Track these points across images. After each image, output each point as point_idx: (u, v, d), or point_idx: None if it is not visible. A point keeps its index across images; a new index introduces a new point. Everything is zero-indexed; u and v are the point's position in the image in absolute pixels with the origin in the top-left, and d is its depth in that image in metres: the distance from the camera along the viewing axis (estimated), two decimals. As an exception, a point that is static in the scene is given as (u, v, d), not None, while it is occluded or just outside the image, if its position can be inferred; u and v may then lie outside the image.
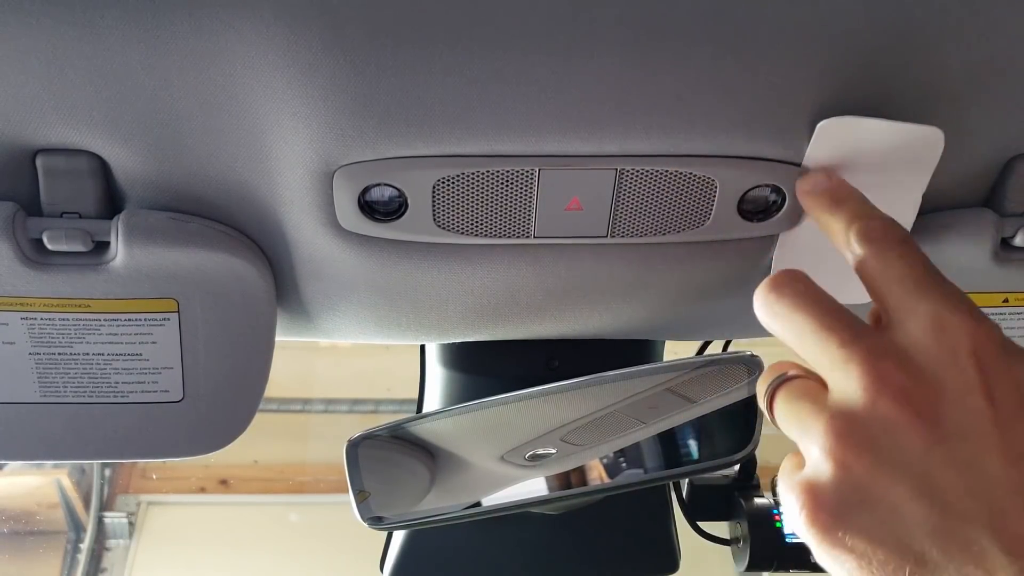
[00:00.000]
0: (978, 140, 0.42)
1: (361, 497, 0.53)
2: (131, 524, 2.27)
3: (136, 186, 0.41)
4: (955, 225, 0.45)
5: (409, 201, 0.40)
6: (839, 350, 0.30)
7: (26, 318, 0.43)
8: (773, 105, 0.38)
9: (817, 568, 0.30)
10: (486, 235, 0.42)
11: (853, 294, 0.46)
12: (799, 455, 0.32)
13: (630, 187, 0.40)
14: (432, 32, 0.35)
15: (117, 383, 0.45)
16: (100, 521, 2.25)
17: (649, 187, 0.41)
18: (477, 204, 0.41)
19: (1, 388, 0.44)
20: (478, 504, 0.54)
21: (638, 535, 0.66)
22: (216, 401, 0.46)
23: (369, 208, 0.41)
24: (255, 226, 0.44)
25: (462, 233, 0.42)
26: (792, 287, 0.32)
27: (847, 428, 0.28)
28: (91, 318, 0.43)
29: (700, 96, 0.37)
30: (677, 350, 0.62)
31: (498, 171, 0.39)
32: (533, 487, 0.55)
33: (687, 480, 0.79)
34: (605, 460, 0.56)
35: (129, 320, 0.43)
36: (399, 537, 0.65)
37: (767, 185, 0.41)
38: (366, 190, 0.40)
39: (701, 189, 0.41)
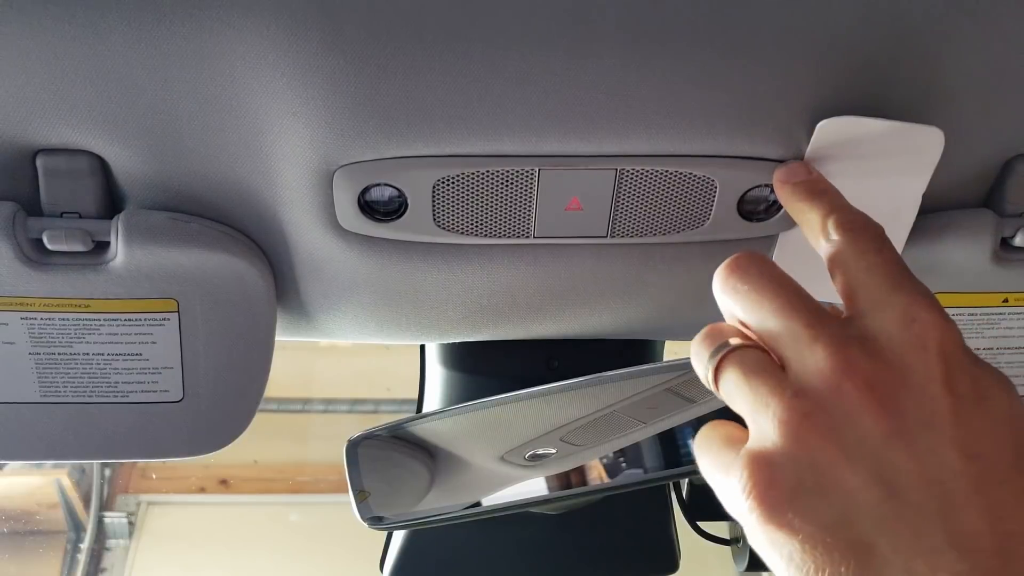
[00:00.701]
0: (978, 140, 0.42)
1: (361, 497, 0.53)
2: (131, 524, 2.26)
3: (136, 186, 0.41)
4: (955, 225, 0.45)
5: (409, 201, 0.40)
6: (805, 330, 0.29)
7: (26, 318, 0.43)
8: (773, 105, 0.38)
9: None
10: (486, 235, 0.42)
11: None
12: (728, 426, 0.32)
13: (630, 187, 0.40)
14: (432, 32, 0.35)
15: (117, 383, 0.45)
16: (100, 521, 2.25)
17: (649, 187, 0.41)
18: (477, 204, 0.41)
19: (1, 388, 0.44)
20: (478, 504, 0.54)
21: (638, 535, 0.66)
22: (216, 401, 0.46)
23: (369, 208, 0.41)
24: (255, 226, 0.44)
25: (462, 233, 0.42)
26: (755, 268, 0.32)
27: (810, 408, 0.28)
28: (91, 318, 0.43)
29: (700, 96, 0.37)
30: (677, 350, 0.62)
31: (498, 171, 0.39)
32: (533, 487, 0.55)
33: (687, 480, 0.79)
34: (605, 460, 0.56)
35: (129, 320, 0.43)
36: (399, 537, 0.65)
37: (767, 185, 0.41)
38: (366, 190, 0.40)
39: (701, 189, 0.41)
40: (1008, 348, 0.50)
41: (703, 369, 0.32)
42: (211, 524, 2.28)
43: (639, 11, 0.35)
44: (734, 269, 0.32)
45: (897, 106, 0.39)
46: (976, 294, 0.48)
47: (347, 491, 0.53)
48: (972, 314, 0.48)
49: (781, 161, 0.40)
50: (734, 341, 0.31)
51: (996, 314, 0.49)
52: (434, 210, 0.40)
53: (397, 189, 0.40)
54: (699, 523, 0.79)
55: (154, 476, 2.33)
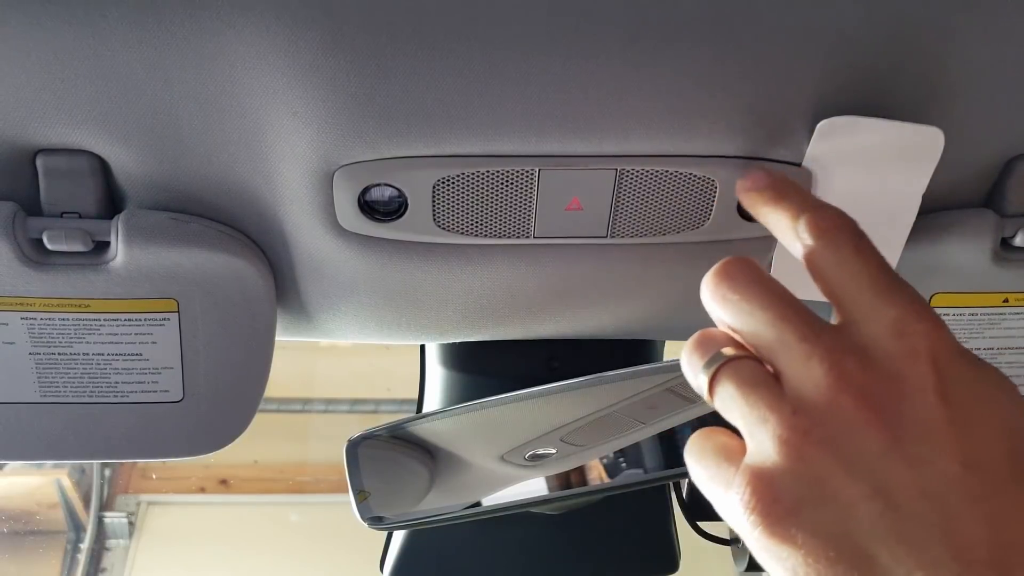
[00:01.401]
0: (978, 140, 0.42)
1: (361, 497, 0.53)
2: (131, 524, 2.27)
3: (136, 186, 0.41)
4: (955, 225, 0.45)
5: (409, 201, 0.40)
6: (799, 344, 0.29)
7: (26, 318, 0.43)
8: (773, 105, 0.38)
9: None
10: (486, 235, 0.42)
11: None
12: (721, 435, 0.31)
13: (630, 187, 0.40)
14: (432, 32, 0.35)
15: (117, 383, 0.45)
16: (100, 521, 2.25)
17: (649, 187, 0.41)
18: (477, 204, 0.41)
19: (1, 388, 0.44)
20: (478, 504, 0.54)
21: (638, 535, 0.66)
22: (216, 401, 0.46)
23: (369, 208, 0.41)
24: (255, 226, 0.44)
25: (462, 233, 0.42)
26: (745, 275, 0.31)
27: (809, 424, 0.28)
28: (91, 318, 0.43)
29: (700, 96, 0.37)
30: (677, 350, 0.62)
31: (498, 171, 0.39)
32: (533, 487, 0.55)
33: (687, 480, 0.79)
34: (605, 460, 0.56)
35: (129, 320, 0.43)
36: (399, 537, 0.65)
37: (767, 185, 0.41)
38: (366, 190, 0.40)
39: (701, 189, 0.41)
40: (1009, 348, 0.50)
41: (696, 379, 0.32)
42: (211, 524, 2.28)
43: (639, 11, 0.35)
44: (723, 277, 0.32)
45: (897, 106, 0.39)
46: (976, 294, 0.48)
47: (347, 491, 0.53)
48: (972, 314, 0.48)
49: (781, 161, 0.40)
50: (728, 351, 0.31)
51: (996, 314, 0.49)
52: (434, 210, 0.40)
53: (397, 189, 0.40)
54: (699, 523, 0.79)
55: (154, 476, 2.33)
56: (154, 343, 0.44)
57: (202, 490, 2.33)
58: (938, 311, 0.48)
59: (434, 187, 0.39)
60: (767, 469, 0.28)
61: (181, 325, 0.44)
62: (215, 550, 2.22)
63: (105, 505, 2.28)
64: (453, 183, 0.40)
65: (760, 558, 0.28)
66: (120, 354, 0.44)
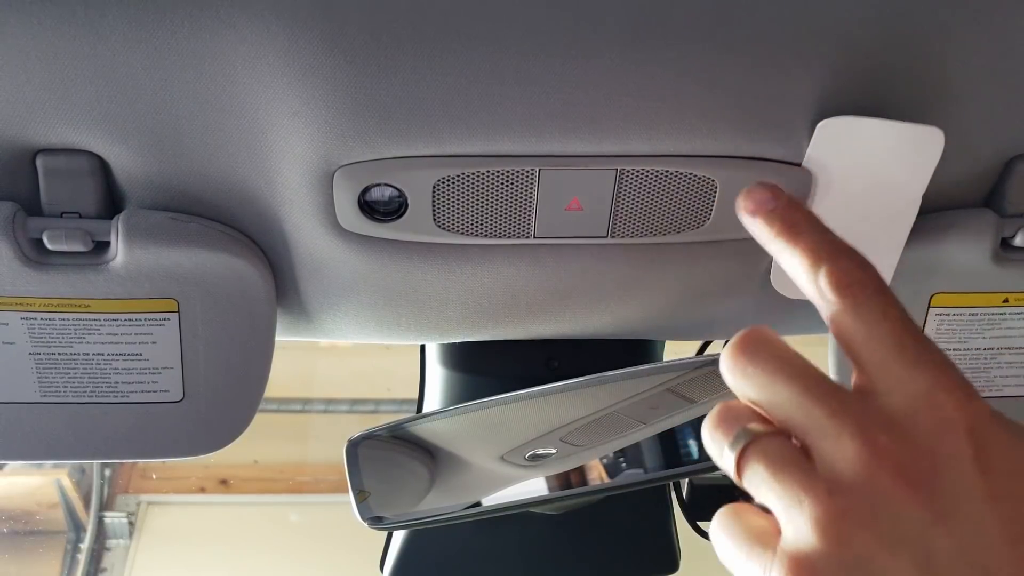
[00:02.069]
0: (978, 140, 0.42)
1: (361, 497, 0.53)
2: (131, 524, 2.27)
3: (136, 186, 0.41)
4: (955, 225, 0.45)
5: (409, 201, 0.40)
6: (828, 420, 0.28)
7: (26, 318, 0.43)
8: (773, 105, 0.38)
9: None
10: (486, 235, 0.42)
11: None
12: (751, 514, 0.31)
13: (630, 187, 0.40)
14: (432, 32, 0.35)
15: (117, 383, 0.45)
16: (100, 521, 2.25)
17: (649, 187, 0.41)
18: (477, 204, 0.41)
19: (1, 388, 0.44)
20: (478, 504, 0.54)
21: (638, 535, 0.66)
22: (216, 401, 0.46)
23: (369, 208, 0.41)
24: (255, 226, 0.44)
25: (462, 233, 0.42)
26: (766, 350, 0.30)
27: (846, 504, 0.27)
28: (91, 318, 0.43)
29: (701, 96, 0.37)
30: (677, 350, 0.62)
31: (498, 171, 0.39)
32: (533, 487, 0.54)
33: (687, 480, 0.79)
34: (605, 460, 0.56)
35: (129, 320, 0.43)
36: (399, 537, 0.65)
37: (767, 185, 0.41)
38: (366, 190, 0.40)
39: (701, 189, 0.41)
40: (1009, 348, 0.50)
41: (722, 458, 0.31)
42: (211, 524, 2.29)
43: (639, 11, 0.35)
44: (742, 350, 0.30)
45: (897, 106, 0.39)
46: (976, 294, 0.48)
47: (347, 491, 0.53)
48: (972, 314, 0.48)
49: (781, 161, 0.40)
50: (754, 427, 0.30)
51: (997, 314, 0.49)
52: (434, 210, 0.40)
53: (397, 189, 0.40)
54: (699, 523, 0.79)
55: (154, 476, 2.33)
56: (154, 343, 0.44)
57: (202, 490, 2.33)
58: (938, 311, 0.48)
59: (434, 187, 0.39)
60: (807, 554, 0.27)
61: (181, 325, 0.44)
62: (215, 550, 2.22)
63: (105, 505, 2.28)
64: (453, 183, 0.40)
65: None
66: (120, 354, 0.44)
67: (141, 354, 0.44)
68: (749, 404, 0.31)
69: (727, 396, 0.31)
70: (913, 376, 0.29)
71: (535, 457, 0.54)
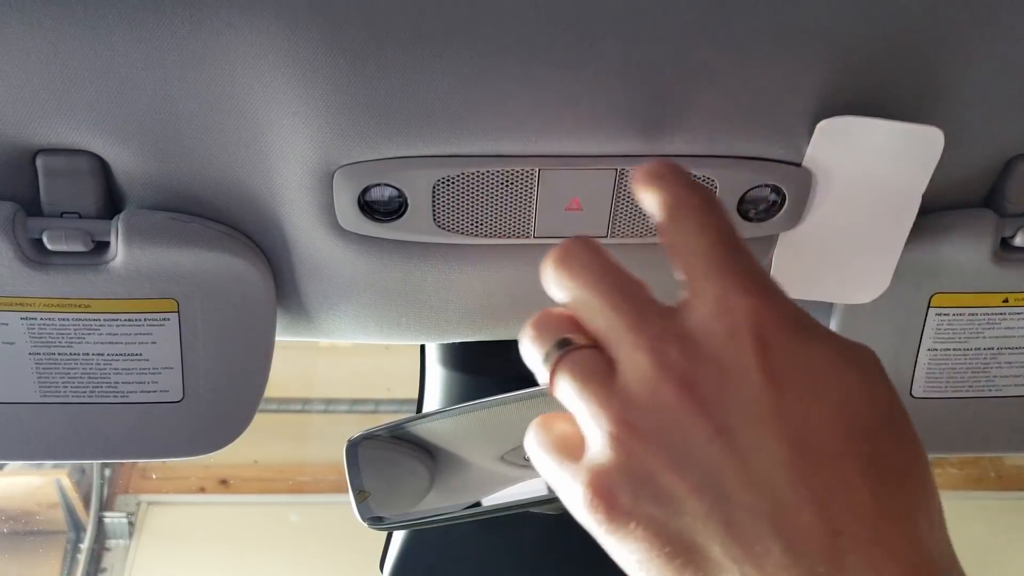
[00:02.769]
0: (978, 140, 0.42)
1: (361, 497, 0.53)
2: (131, 524, 2.27)
3: (136, 186, 0.41)
4: (955, 225, 0.45)
5: (409, 201, 0.40)
6: (627, 333, 0.28)
7: (26, 318, 0.43)
8: (773, 105, 0.38)
9: None
10: (486, 235, 0.42)
11: (855, 294, 0.46)
12: (560, 423, 0.31)
13: (630, 187, 0.40)
14: (432, 32, 0.35)
15: (117, 383, 0.45)
16: (100, 521, 2.25)
17: None
18: (477, 204, 0.41)
19: (1, 388, 0.44)
20: (478, 504, 0.54)
21: None
22: (216, 401, 0.46)
23: (369, 208, 0.41)
24: (255, 226, 0.44)
25: (462, 233, 0.42)
26: (580, 257, 0.30)
27: (636, 419, 0.27)
28: (91, 318, 0.43)
29: (700, 96, 0.37)
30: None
31: (498, 171, 0.39)
32: (533, 487, 0.55)
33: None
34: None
35: (129, 320, 0.43)
36: (399, 537, 0.65)
37: (767, 185, 0.41)
38: (366, 190, 0.40)
39: None
40: (1008, 348, 0.50)
41: (539, 370, 0.31)
42: (211, 524, 2.28)
43: (639, 11, 0.35)
44: (560, 260, 0.31)
45: (897, 106, 0.39)
46: (976, 294, 0.48)
47: (347, 491, 0.53)
48: (972, 314, 0.48)
49: (781, 161, 0.40)
50: (570, 337, 0.30)
51: (996, 314, 0.49)
52: (434, 210, 0.40)
53: (397, 189, 0.40)
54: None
55: (154, 476, 2.33)
56: (154, 343, 0.44)
57: (202, 490, 2.33)
58: (938, 311, 0.48)
59: (434, 187, 0.39)
60: (604, 468, 0.27)
61: (181, 325, 0.44)
62: (215, 550, 2.22)
63: (105, 505, 2.28)
64: (453, 183, 0.40)
65: (611, 553, 0.28)
66: (120, 354, 0.44)
67: (141, 354, 0.44)
68: (568, 313, 0.31)
69: None
70: (707, 283, 0.28)
71: (535, 457, 0.54)
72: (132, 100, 0.38)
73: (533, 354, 0.31)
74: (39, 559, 2.25)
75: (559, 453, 0.30)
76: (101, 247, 0.42)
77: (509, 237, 0.42)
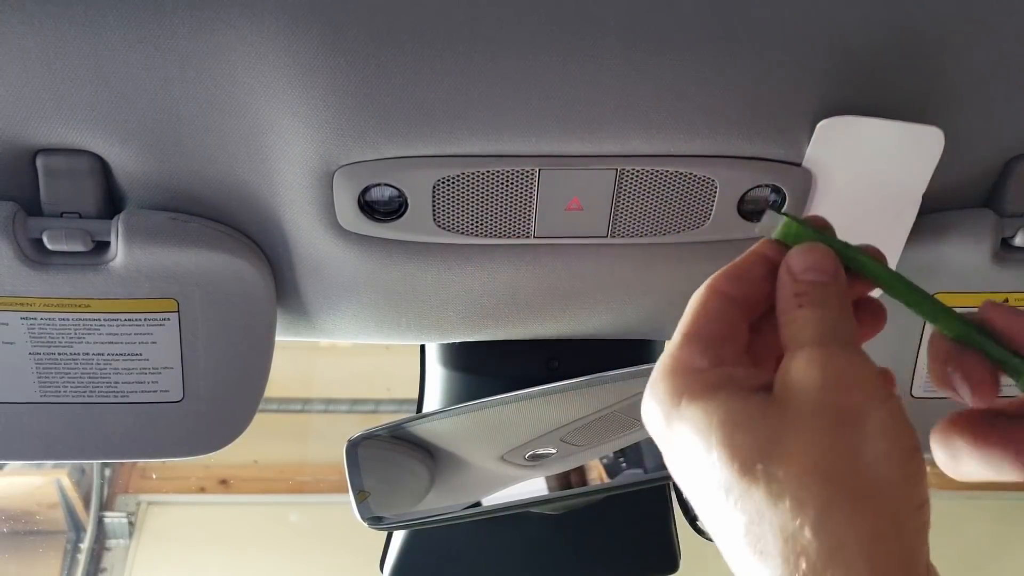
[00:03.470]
0: (978, 141, 0.42)
1: (361, 497, 0.53)
2: (131, 524, 2.26)
3: (136, 186, 0.41)
4: (955, 225, 0.45)
5: (409, 201, 0.40)
6: None
7: (26, 318, 0.43)
8: (773, 105, 0.38)
9: None
10: (486, 235, 0.42)
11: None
12: None
13: (630, 187, 0.40)
14: (432, 32, 0.35)
15: (117, 383, 0.45)
16: (100, 521, 2.25)
17: (649, 187, 0.41)
18: (477, 204, 0.41)
19: (1, 388, 0.44)
20: (478, 504, 0.54)
21: (638, 535, 0.66)
22: (216, 401, 0.46)
23: (369, 208, 0.41)
24: (255, 226, 0.44)
25: (462, 233, 0.42)
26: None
27: None
28: (91, 318, 0.43)
29: (700, 96, 0.37)
30: (677, 350, 0.62)
31: (498, 171, 0.39)
32: (533, 487, 0.55)
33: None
34: (605, 460, 0.56)
35: (129, 320, 0.43)
36: (399, 537, 0.65)
37: (767, 185, 0.41)
38: (366, 190, 0.40)
39: (701, 189, 0.41)
40: (1008, 348, 0.50)
41: None
42: (211, 524, 2.28)
43: (639, 11, 0.35)
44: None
45: (897, 106, 0.39)
46: (976, 294, 0.48)
47: (347, 491, 0.53)
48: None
49: (781, 161, 0.40)
50: None
51: (996, 314, 0.49)
52: (434, 210, 0.40)
53: (397, 189, 0.40)
54: (699, 523, 0.79)
55: (154, 476, 2.32)
56: (154, 343, 0.44)
57: (202, 490, 2.33)
58: None
59: (434, 187, 0.39)
60: None
61: (181, 325, 0.44)
62: (215, 550, 2.22)
63: (105, 505, 2.28)
64: (453, 183, 0.40)
65: None
66: (120, 354, 0.44)
67: (141, 354, 0.44)
68: None
69: None
70: None
71: (535, 457, 0.54)
72: (132, 100, 0.38)
73: None
74: (39, 559, 2.25)
75: None
76: (101, 247, 0.42)
77: (509, 237, 0.42)
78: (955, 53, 0.38)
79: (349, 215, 0.40)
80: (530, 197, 0.40)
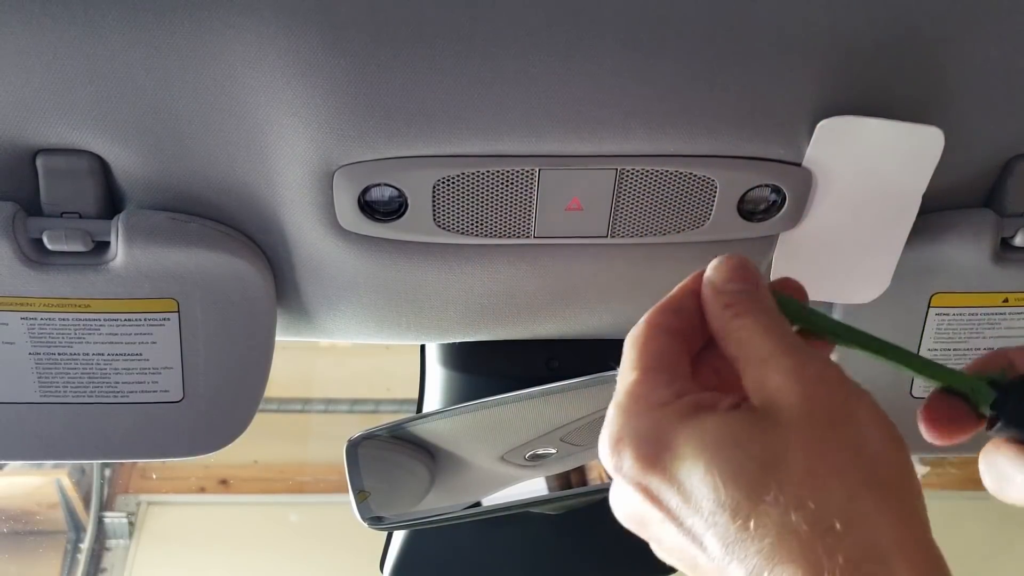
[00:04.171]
0: (978, 140, 0.42)
1: (361, 497, 0.53)
2: (131, 524, 2.26)
3: (136, 186, 0.41)
4: (955, 225, 0.45)
5: (409, 201, 0.40)
6: None
7: (26, 318, 0.43)
8: (773, 105, 0.38)
9: None
10: (486, 235, 0.42)
11: (856, 294, 0.46)
12: None
13: (630, 187, 0.40)
14: (432, 32, 0.35)
15: (117, 383, 0.45)
16: (100, 521, 2.25)
17: (649, 187, 0.41)
18: (477, 204, 0.41)
19: (1, 388, 0.44)
20: (478, 504, 0.54)
21: (638, 535, 0.66)
22: (216, 401, 0.46)
23: (369, 208, 0.41)
24: (255, 226, 0.44)
25: (462, 233, 0.42)
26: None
27: None
28: (91, 318, 0.43)
29: (701, 96, 0.37)
30: (677, 350, 0.62)
31: (498, 171, 0.39)
32: (533, 487, 0.55)
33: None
34: (605, 460, 0.56)
35: (129, 320, 0.43)
36: (399, 537, 0.65)
37: (767, 185, 0.41)
38: (366, 190, 0.40)
39: (701, 189, 0.41)
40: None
41: None
42: (211, 524, 2.28)
43: (639, 12, 0.35)
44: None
45: (897, 106, 0.39)
46: (976, 294, 0.48)
47: (347, 491, 0.53)
48: (972, 314, 0.48)
49: (781, 161, 0.40)
50: None
51: (996, 314, 0.49)
52: (434, 210, 0.40)
53: (397, 189, 0.40)
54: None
55: (154, 476, 2.32)
56: (154, 343, 0.44)
57: (202, 490, 2.33)
58: (938, 311, 0.48)
59: (434, 187, 0.39)
60: None
61: (181, 325, 0.44)
62: (215, 550, 2.22)
63: (105, 505, 2.28)
64: (453, 183, 0.40)
65: None
66: (120, 354, 0.44)
67: (141, 354, 0.44)
68: None
69: None
70: None
71: (535, 457, 0.54)
72: (132, 100, 0.38)
73: None
74: (39, 559, 2.25)
75: None
76: (101, 247, 0.42)
77: (509, 237, 0.42)
78: (955, 53, 0.38)
79: (349, 215, 0.40)
80: (530, 197, 0.40)
